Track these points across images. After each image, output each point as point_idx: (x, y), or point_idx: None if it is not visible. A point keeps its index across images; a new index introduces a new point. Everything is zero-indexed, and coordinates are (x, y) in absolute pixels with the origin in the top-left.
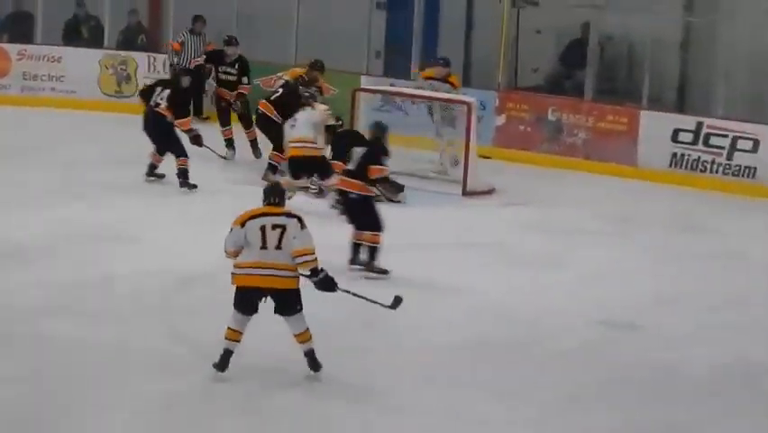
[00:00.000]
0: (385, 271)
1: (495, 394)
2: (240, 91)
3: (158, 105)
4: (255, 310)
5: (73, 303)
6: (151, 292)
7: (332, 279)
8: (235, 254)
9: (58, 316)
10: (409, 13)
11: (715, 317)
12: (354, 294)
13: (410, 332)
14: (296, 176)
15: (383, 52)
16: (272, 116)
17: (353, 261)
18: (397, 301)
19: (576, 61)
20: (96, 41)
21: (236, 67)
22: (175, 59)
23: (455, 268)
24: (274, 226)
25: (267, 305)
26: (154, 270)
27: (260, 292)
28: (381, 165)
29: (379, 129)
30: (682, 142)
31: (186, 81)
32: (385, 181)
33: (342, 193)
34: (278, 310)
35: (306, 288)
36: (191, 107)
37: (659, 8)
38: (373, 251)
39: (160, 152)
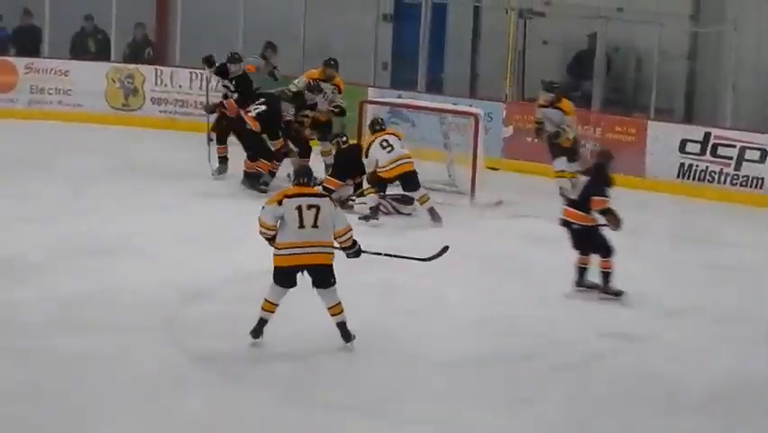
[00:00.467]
0: (620, 293)
1: (500, 407)
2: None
3: (248, 112)
4: (294, 284)
5: (78, 317)
6: (157, 306)
7: (361, 248)
8: (273, 229)
9: (63, 330)
10: (416, 25)
11: (722, 329)
12: (386, 254)
13: (415, 344)
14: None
15: (390, 64)
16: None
17: (579, 283)
18: (439, 254)
19: (583, 72)
20: (103, 54)
21: (233, 83)
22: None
23: (462, 280)
24: (309, 206)
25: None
26: (160, 283)
27: (298, 268)
28: (604, 197)
29: (604, 156)
30: (690, 153)
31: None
32: (608, 213)
33: (566, 223)
34: (315, 284)
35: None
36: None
37: (666, 19)
38: (606, 275)
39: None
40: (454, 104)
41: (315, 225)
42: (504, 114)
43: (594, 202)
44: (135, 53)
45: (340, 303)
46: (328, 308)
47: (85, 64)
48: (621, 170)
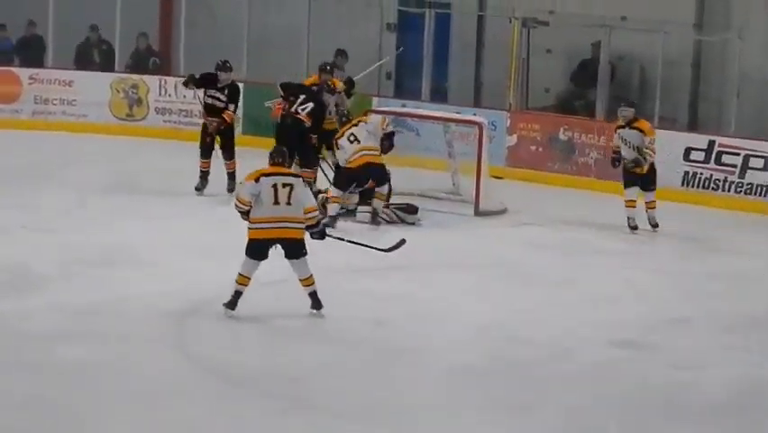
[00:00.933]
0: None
1: (501, 415)
2: (222, 116)
3: (298, 113)
4: (266, 257)
5: (85, 327)
6: (161, 316)
7: (325, 229)
8: (248, 204)
9: (69, 340)
10: (420, 35)
11: (728, 338)
12: (348, 240)
13: (418, 352)
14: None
15: (394, 74)
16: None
17: None
18: (397, 246)
19: (587, 81)
20: (107, 64)
21: (225, 93)
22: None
23: (467, 288)
24: (284, 185)
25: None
26: (164, 293)
27: (271, 242)
28: None
29: None
30: (694, 161)
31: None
32: None
33: None
34: (287, 255)
35: None
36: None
37: (670, 27)
38: None
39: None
40: (458, 112)
41: (288, 203)
42: (508, 122)
43: None
44: (138, 63)
45: (311, 275)
46: (300, 279)
47: (89, 74)
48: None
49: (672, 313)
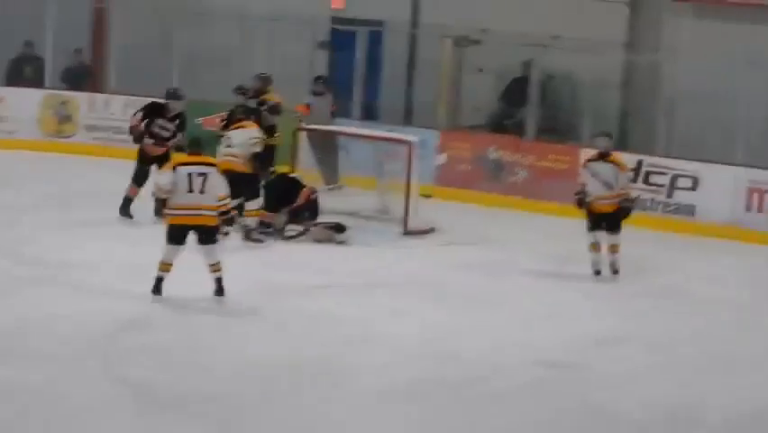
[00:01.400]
0: None
1: None
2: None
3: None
4: (183, 242)
5: (12, 345)
6: (92, 335)
7: (234, 217)
8: (167, 192)
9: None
10: (352, 53)
11: (655, 356)
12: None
13: (355, 374)
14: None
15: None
16: None
17: None
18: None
19: (518, 100)
20: (38, 81)
21: (175, 123)
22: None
23: (395, 307)
24: (199, 174)
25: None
26: (95, 312)
27: (187, 228)
28: None
29: None
30: None
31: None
32: None
33: None
34: (200, 241)
35: None
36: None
37: (600, 47)
38: None
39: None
40: (389, 131)
41: (202, 191)
42: (438, 141)
43: None
44: (72, 79)
45: (220, 261)
46: (209, 265)
47: (19, 90)
48: (555, 197)
49: (599, 333)
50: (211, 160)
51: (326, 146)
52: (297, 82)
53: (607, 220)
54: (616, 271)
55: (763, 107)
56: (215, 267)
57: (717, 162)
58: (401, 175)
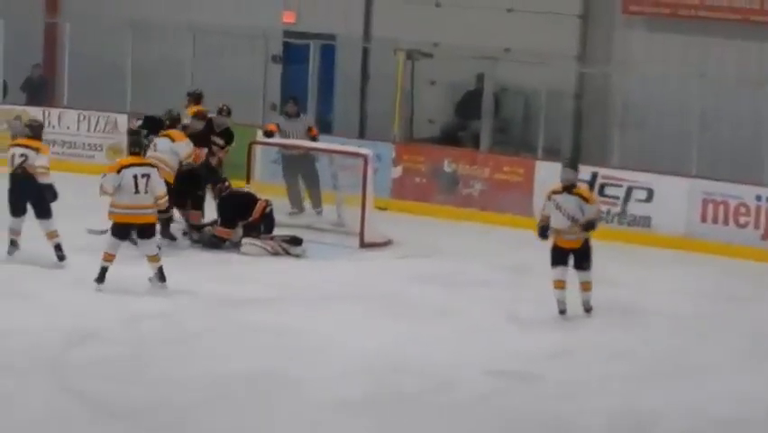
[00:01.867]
0: None
1: None
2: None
3: None
4: (126, 238)
5: None
6: (42, 348)
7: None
8: (112, 193)
9: None
10: (305, 67)
11: (607, 367)
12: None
13: (305, 384)
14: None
15: (279, 105)
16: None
17: None
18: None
19: (471, 113)
20: None
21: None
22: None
23: (352, 320)
24: (143, 175)
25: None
26: (46, 326)
27: (131, 226)
28: None
29: None
30: None
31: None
32: None
33: None
34: (140, 236)
35: None
36: None
37: (553, 59)
38: None
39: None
40: (343, 144)
41: (146, 192)
42: (393, 154)
43: None
44: (32, 92)
45: (158, 254)
46: (148, 257)
47: None
48: (509, 209)
49: (554, 344)
50: (151, 161)
51: (305, 171)
52: (250, 96)
53: (574, 256)
54: (588, 310)
55: (715, 119)
56: (153, 258)
57: (671, 174)
58: (357, 188)
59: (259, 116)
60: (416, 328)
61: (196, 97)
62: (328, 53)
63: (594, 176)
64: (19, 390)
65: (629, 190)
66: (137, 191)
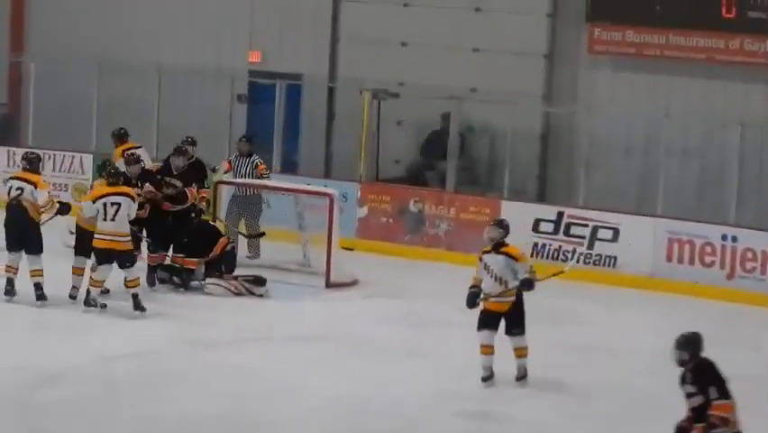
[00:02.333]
0: None
1: None
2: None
3: None
4: (110, 263)
5: None
6: (10, 389)
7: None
8: (93, 220)
9: None
10: (271, 106)
11: (573, 407)
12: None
13: (272, 426)
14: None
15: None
16: None
17: None
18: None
19: (437, 152)
20: None
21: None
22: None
23: (318, 360)
24: (112, 204)
25: None
26: (14, 367)
27: (109, 251)
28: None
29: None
30: (543, 232)
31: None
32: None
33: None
34: (119, 265)
35: None
36: None
37: (519, 99)
38: None
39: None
40: (309, 184)
41: (113, 219)
42: (358, 194)
43: (716, 408)
44: None
45: (138, 278)
46: (127, 281)
47: None
48: (476, 249)
49: (522, 385)
50: (127, 190)
51: (249, 214)
52: (216, 135)
53: (505, 321)
54: (523, 377)
55: (681, 159)
56: (132, 282)
57: (637, 214)
58: (322, 228)
59: (224, 156)
60: (381, 368)
61: (119, 137)
62: (294, 93)
63: (560, 215)
64: None
65: (595, 230)
66: (105, 219)
